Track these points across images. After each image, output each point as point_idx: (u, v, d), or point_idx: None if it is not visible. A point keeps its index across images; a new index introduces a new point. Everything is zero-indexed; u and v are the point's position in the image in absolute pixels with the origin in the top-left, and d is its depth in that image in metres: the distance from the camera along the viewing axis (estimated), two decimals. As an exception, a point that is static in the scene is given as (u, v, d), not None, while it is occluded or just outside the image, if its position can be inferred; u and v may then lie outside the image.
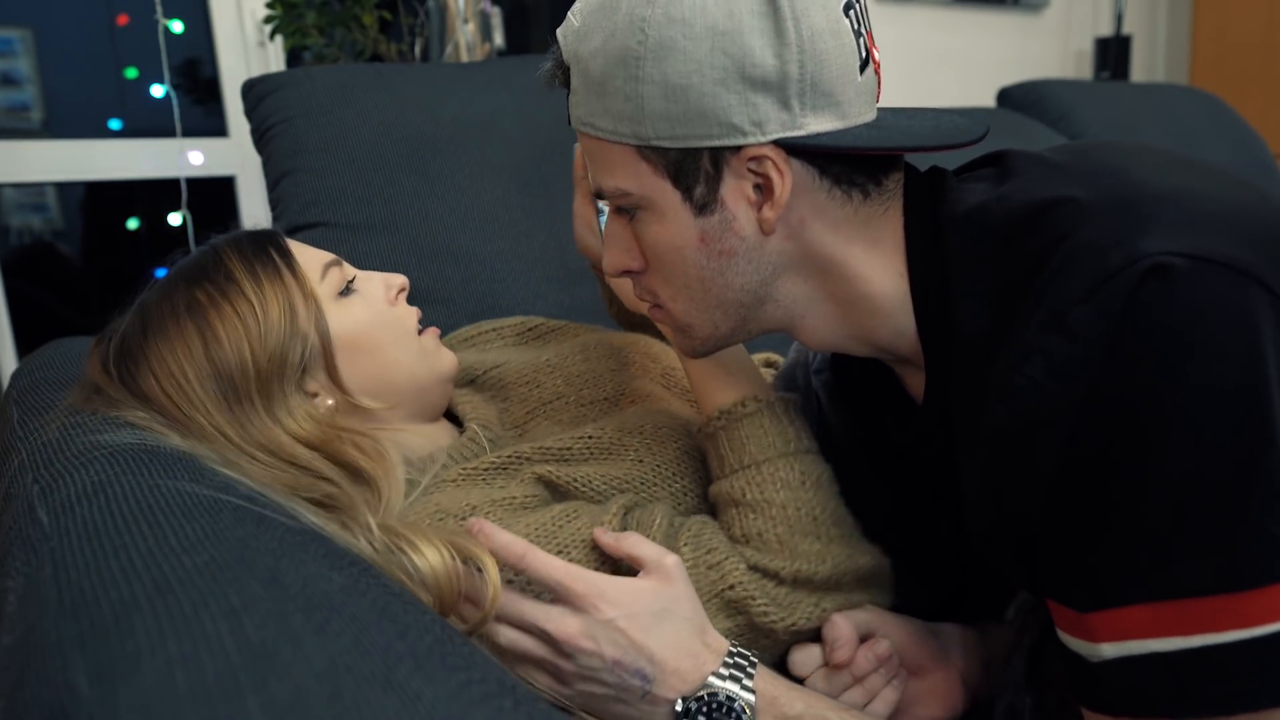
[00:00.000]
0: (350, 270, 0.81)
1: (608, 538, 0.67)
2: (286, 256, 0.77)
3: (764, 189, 0.59)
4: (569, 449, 0.77)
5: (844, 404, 0.86)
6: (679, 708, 0.61)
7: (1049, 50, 2.87)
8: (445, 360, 0.83)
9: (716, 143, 0.58)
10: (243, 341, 0.71)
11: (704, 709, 0.60)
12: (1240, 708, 0.50)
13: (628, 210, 0.64)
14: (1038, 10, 2.82)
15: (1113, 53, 2.72)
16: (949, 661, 0.74)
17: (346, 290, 0.79)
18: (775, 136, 0.57)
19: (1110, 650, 0.53)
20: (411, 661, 0.40)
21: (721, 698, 0.61)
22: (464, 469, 0.74)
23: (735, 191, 0.60)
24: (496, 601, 0.61)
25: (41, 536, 0.49)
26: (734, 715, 0.60)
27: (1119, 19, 2.74)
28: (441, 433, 0.84)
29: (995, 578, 0.81)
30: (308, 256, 0.79)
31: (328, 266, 0.79)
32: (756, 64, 0.56)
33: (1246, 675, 0.50)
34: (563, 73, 0.64)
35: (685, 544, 0.69)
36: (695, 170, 0.59)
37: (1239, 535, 0.49)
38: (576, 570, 0.63)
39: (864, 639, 0.70)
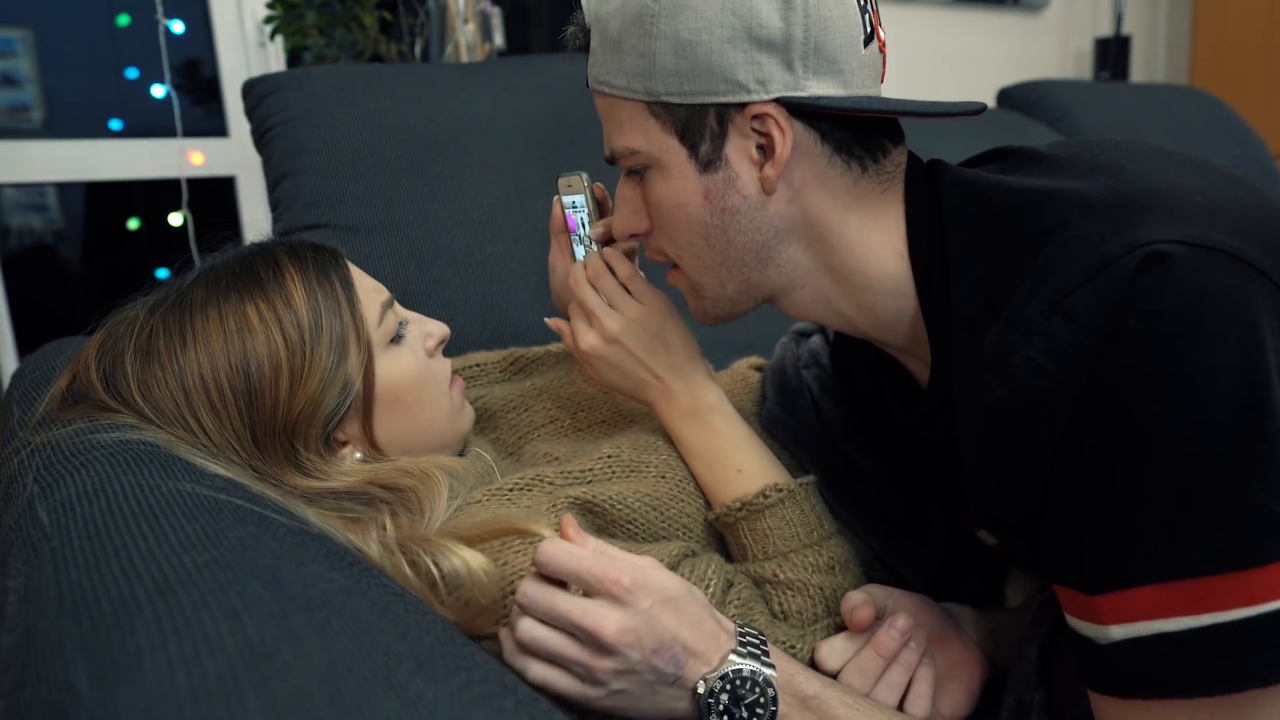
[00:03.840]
0: (401, 312, 0.77)
1: (579, 542, 0.59)
2: (350, 289, 0.72)
3: (767, 149, 0.62)
4: (591, 470, 0.75)
5: (840, 392, 0.86)
6: (701, 689, 0.58)
7: (1049, 50, 2.87)
8: (467, 418, 0.81)
9: (722, 99, 0.61)
10: (282, 377, 0.66)
11: (728, 687, 0.58)
12: (1250, 684, 0.51)
13: (637, 171, 0.67)
14: (1037, 10, 2.82)
15: (1112, 53, 2.72)
16: (965, 635, 0.74)
17: (398, 337, 0.75)
18: (777, 95, 0.61)
19: (1119, 632, 0.54)
20: (412, 662, 0.40)
21: (746, 674, 0.59)
22: (487, 490, 0.72)
23: (739, 150, 0.63)
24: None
25: (42, 536, 0.49)
26: (758, 691, 0.59)
27: (1118, 19, 2.74)
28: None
29: (989, 561, 0.82)
30: (366, 292, 0.74)
31: (384, 308, 0.74)
32: (763, 25, 0.59)
33: (1255, 652, 0.50)
34: (584, 34, 0.68)
35: (734, 615, 0.69)
36: (702, 127, 0.63)
37: (1240, 515, 0.50)
38: (610, 557, 0.57)
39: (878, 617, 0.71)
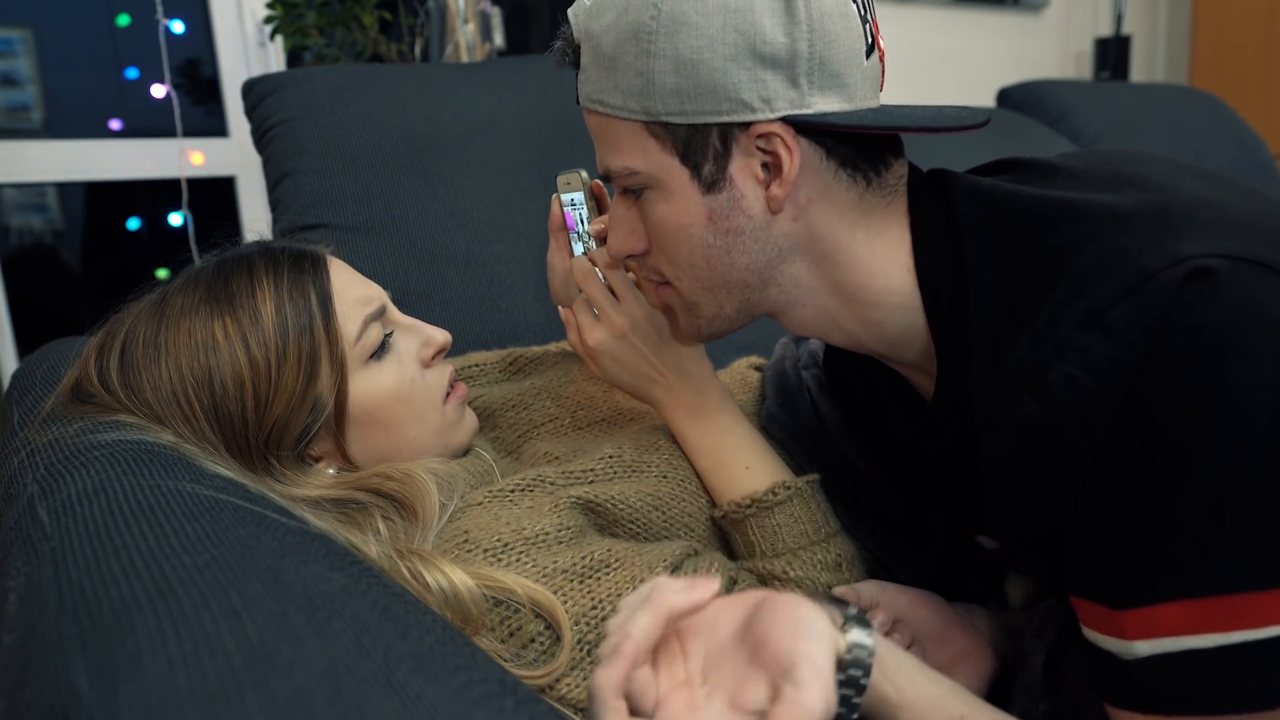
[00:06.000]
0: (393, 319, 0.75)
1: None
2: (326, 305, 0.69)
3: (772, 167, 0.60)
4: (593, 470, 0.74)
5: (838, 398, 0.86)
6: None
7: (1049, 50, 2.87)
8: (464, 430, 0.78)
9: (725, 119, 0.59)
10: (247, 396, 0.66)
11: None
12: (1278, 702, 0.51)
13: (634, 191, 0.65)
14: (1038, 10, 2.82)
15: (1112, 53, 2.72)
16: (972, 628, 0.74)
17: (380, 351, 0.72)
18: (783, 114, 0.58)
19: (1144, 648, 0.53)
20: (413, 662, 0.40)
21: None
22: (488, 492, 0.71)
23: (743, 169, 0.61)
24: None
25: (42, 536, 0.49)
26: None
27: (1118, 19, 2.74)
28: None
29: (988, 562, 0.82)
30: (349, 304, 0.71)
31: (368, 321, 0.71)
32: (767, 41, 0.57)
33: None
34: (573, 51, 0.65)
35: None
36: (704, 147, 0.60)
37: (1274, 532, 0.49)
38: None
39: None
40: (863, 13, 0.60)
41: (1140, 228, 0.54)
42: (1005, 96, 2.12)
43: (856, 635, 0.50)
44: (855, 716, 0.50)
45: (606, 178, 0.66)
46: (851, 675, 0.49)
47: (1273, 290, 0.50)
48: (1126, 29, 2.83)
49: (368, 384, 0.71)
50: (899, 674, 0.54)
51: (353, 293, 0.73)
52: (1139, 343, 0.51)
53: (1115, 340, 0.51)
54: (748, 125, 0.59)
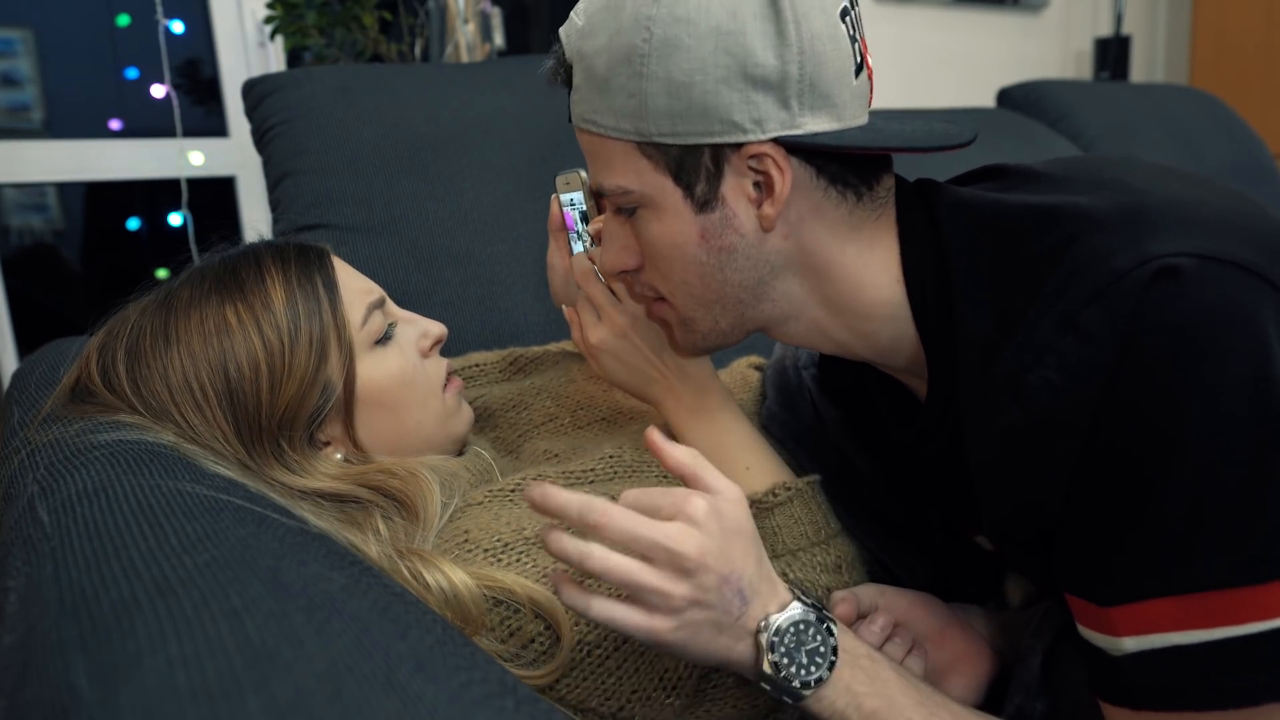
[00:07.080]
0: (392, 311, 0.77)
1: (678, 452, 0.58)
2: (333, 291, 0.72)
3: (764, 186, 0.61)
4: (593, 469, 0.75)
5: (836, 401, 0.86)
6: (764, 627, 0.57)
7: (1049, 50, 2.87)
8: (463, 420, 0.80)
9: (717, 140, 0.59)
10: (262, 378, 0.67)
11: (792, 630, 0.57)
12: (1266, 698, 0.51)
13: (626, 210, 0.65)
14: (1037, 10, 2.82)
15: (1112, 53, 2.72)
16: (970, 629, 0.74)
17: (384, 338, 0.74)
18: (774, 135, 0.59)
19: (1132, 644, 0.54)
20: (413, 662, 0.40)
21: (812, 619, 0.57)
22: (488, 491, 0.71)
23: (736, 189, 0.61)
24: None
25: (42, 536, 0.49)
26: (819, 639, 0.57)
27: (1118, 19, 2.74)
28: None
29: (987, 562, 0.82)
30: (353, 293, 0.74)
31: (371, 309, 0.74)
32: (758, 64, 0.57)
33: (1270, 666, 0.51)
34: (565, 71, 0.66)
35: None
36: (696, 167, 0.61)
37: (1257, 528, 0.50)
38: (682, 492, 0.56)
39: (864, 616, 0.71)
40: (851, 33, 0.61)
41: (1113, 229, 0.54)
42: (1005, 97, 2.12)
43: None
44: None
45: (600, 194, 0.66)
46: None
47: (1244, 289, 0.50)
48: (1126, 29, 2.83)
49: (373, 368, 0.73)
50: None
51: (355, 283, 0.75)
52: (1111, 343, 0.51)
53: (1088, 342, 0.52)
54: (740, 146, 0.59)
